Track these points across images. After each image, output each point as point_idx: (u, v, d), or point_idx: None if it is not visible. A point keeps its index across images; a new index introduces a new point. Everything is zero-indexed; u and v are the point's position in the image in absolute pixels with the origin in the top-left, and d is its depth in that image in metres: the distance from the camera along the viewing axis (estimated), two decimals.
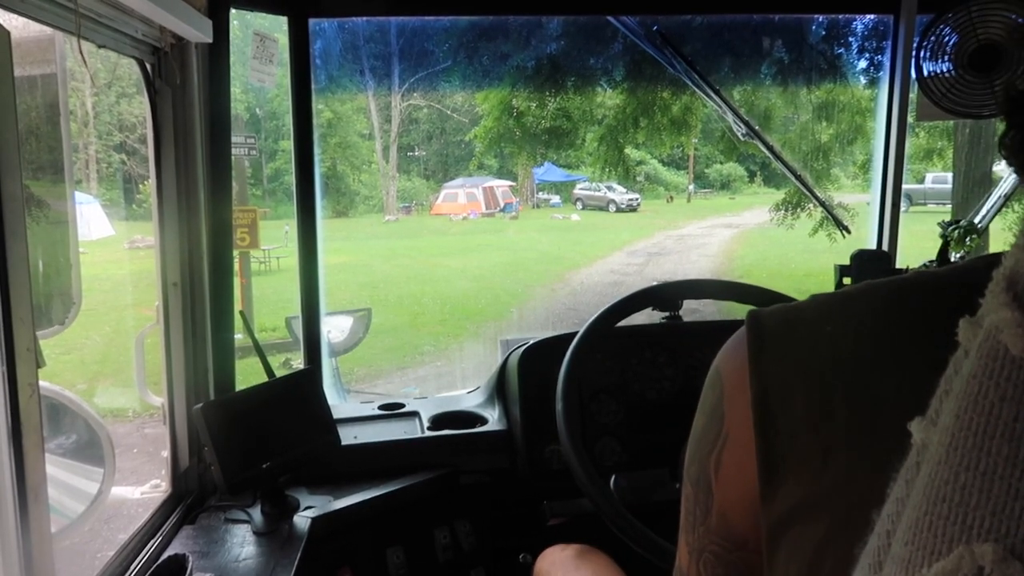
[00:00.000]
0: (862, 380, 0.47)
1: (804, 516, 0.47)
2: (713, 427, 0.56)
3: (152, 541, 1.30)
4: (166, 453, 1.46)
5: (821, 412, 0.47)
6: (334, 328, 2.29)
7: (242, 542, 1.30)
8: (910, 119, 1.96)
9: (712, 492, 0.56)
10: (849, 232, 2.57)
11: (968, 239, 1.95)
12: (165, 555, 1.24)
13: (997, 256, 0.52)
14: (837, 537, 0.44)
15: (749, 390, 0.52)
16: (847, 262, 1.78)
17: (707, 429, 0.57)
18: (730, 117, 2.25)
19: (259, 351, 1.48)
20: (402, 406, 1.79)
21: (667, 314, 1.60)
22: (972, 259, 0.52)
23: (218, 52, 1.43)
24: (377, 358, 7.16)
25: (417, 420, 1.72)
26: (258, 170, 15.23)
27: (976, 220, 2.06)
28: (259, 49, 1.65)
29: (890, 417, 0.44)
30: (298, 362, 1.99)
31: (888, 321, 0.49)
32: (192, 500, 1.46)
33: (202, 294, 1.47)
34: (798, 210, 7.97)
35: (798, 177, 2.56)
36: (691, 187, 20.69)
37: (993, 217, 2.19)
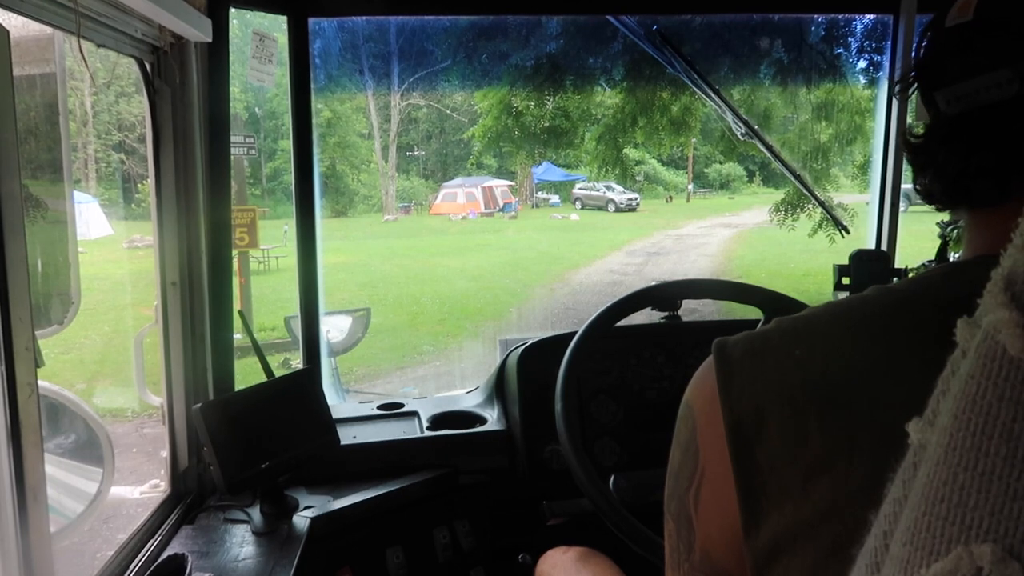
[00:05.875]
0: (835, 399, 0.47)
1: (789, 547, 0.46)
2: (689, 463, 0.55)
3: (151, 541, 1.29)
4: (165, 453, 1.46)
5: (796, 437, 0.47)
6: (333, 328, 2.29)
7: (241, 542, 1.30)
8: (910, 119, 1.96)
9: (693, 528, 0.55)
10: (848, 232, 2.57)
11: None
12: (164, 555, 1.24)
13: (952, 265, 0.53)
14: (826, 566, 0.44)
15: (722, 422, 0.51)
16: (846, 262, 1.78)
17: (683, 465, 0.56)
18: (729, 117, 2.25)
19: (258, 351, 1.47)
20: (401, 406, 1.78)
21: (666, 314, 1.60)
22: (929, 271, 0.53)
23: (217, 51, 1.42)
24: (376, 358, 7.16)
25: (416, 420, 1.72)
26: (257, 170, 15.23)
27: None
28: (258, 48, 1.65)
29: (865, 438, 0.44)
30: (297, 362, 1.99)
31: (858, 338, 0.49)
32: (191, 500, 1.46)
33: (201, 294, 1.47)
34: (797, 211, 7.97)
35: (797, 177, 2.56)
36: (690, 187, 20.71)
37: None
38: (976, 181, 0.50)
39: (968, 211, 0.54)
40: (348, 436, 1.59)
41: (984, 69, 0.48)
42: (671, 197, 19.89)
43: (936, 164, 0.52)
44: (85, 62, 1.05)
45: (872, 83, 5.55)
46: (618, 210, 17.56)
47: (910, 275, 1.72)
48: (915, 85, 0.54)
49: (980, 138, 0.49)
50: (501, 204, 17.45)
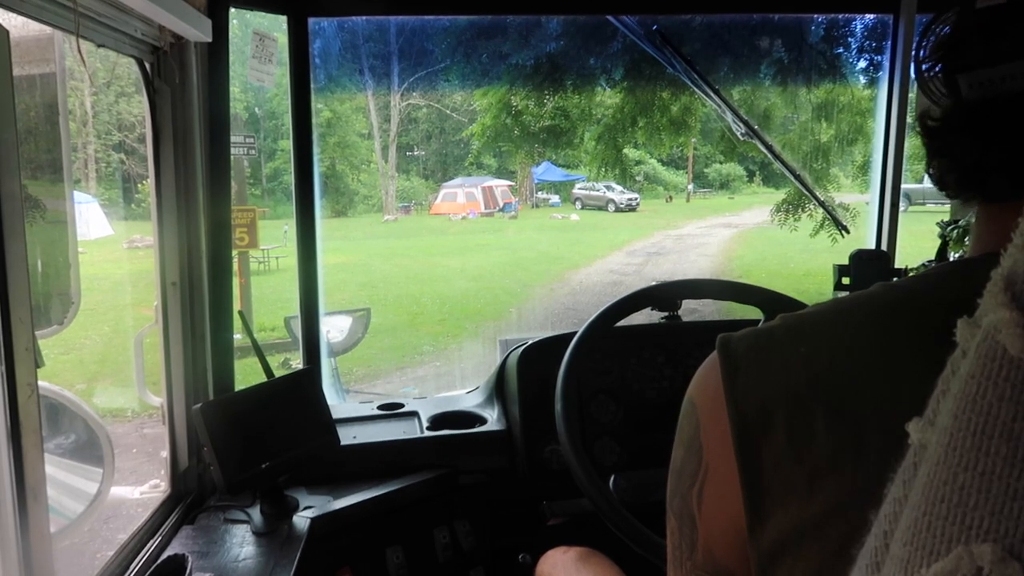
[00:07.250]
0: (841, 399, 0.46)
1: (794, 547, 0.46)
2: (692, 460, 0.55)
3: (151, 541, 1.30)
4: (165, 453, 1.46)
5: (802, 436, 0.46)
6: (333, 328, 2.29)
7: (241, 542, 1.30)
8: (909, 119, 1.96)
9: (696, 526, 0.55)
10: (848, 232, 2.57)
11: (967, 239, 1.95)
12: (164, 555, 1.24)
13: (959, 263, 0.52)
14: (832, 567, 0.43)
15: (727, 419, 0.50)
16: (846, 262, 1.78)
17: (686, 462, 0.55)
18: (729, 117, 2.25)
19: (258, 351, 1.47)
20: (401, 406, 1.79)
21: (666, 314, 1.60)
22: (935, 267, 0.52)
23: (217, 51, 1.42)
24: (376, 358, 7.16)
25: (416, 420, 1.72)
26: (257, 170, 15.22)
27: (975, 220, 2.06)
28: (258, 48, 1.65)
29: (871, 437, 0.44)
30: (297, 362, 1.99)
31: (863, 336, 0.48)
32: (191, 500, 1.46)
33: (201, 294, 1.47)
34: (799, 211, 7.96)
35: (797, 177, 2.56)
36: (690, 187, 20.72)
37: None
38: (992, 174, 0.48)
39: (980, 204, 0.52)
40: (348, 436, 1.59)
41: (1012, 56, 0.45)
42: (671, 197, 19.90)
43: (952, 152, 0.50)
44: (84, 62, 1.05)
45: (872, 83, 5.55)
46: (618, 210, 17.56)
47: (910, 275, 1.72)
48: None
49: (999, 128, 0.47)
50: (501, 204, 17.45)
